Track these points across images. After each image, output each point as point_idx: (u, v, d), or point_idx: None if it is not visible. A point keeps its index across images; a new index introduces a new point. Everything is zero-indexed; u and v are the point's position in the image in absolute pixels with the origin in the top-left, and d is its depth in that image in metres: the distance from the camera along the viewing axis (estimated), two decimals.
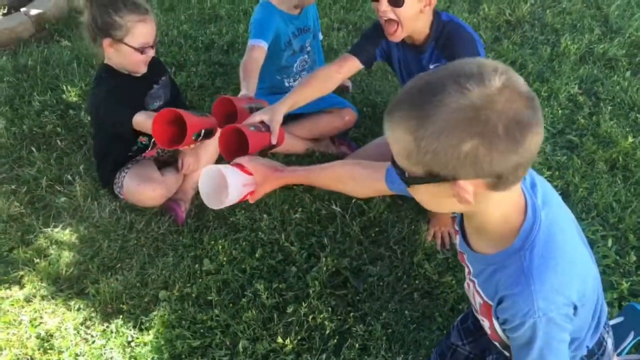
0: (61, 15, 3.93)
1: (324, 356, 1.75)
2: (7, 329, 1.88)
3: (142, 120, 1.96)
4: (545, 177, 2.34)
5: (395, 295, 1.93)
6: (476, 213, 1.00)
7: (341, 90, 2.95)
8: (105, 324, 1.89)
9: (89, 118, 2.72)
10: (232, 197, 1.39)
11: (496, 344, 1.23)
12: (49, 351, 1.82)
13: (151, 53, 2.09)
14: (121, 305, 1.93)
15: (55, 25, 3.82)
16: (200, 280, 2.00)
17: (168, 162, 2.43)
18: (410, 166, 0.91)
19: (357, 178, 1.43)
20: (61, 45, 3.57)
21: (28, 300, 1.98)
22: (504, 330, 1.09)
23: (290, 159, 2.54)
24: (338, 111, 2.60)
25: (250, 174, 1.45)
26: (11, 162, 2.59)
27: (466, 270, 1.21)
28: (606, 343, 1.30)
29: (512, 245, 1.01)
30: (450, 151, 0.84)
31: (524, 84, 0.86)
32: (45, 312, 1.94)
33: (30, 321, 1.90)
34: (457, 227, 1.22)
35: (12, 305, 1.96)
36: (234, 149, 1.70)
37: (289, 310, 1.88)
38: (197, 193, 2.04)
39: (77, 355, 1.80)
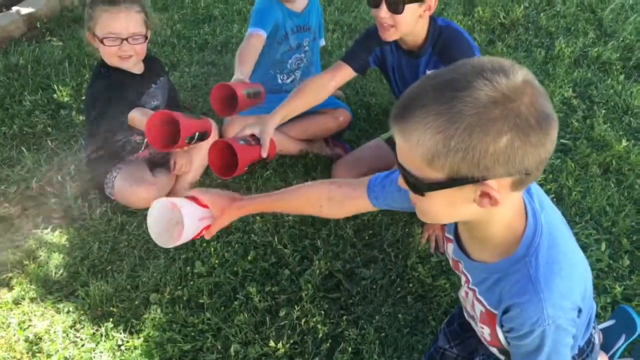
0: (53, 14, 3.90)
1: None
2: None
3: (137, 117, 1.95)
4: (540, 181, 2.35)
5: (389, 299, 1.92)
6: (485, 221, 0.97)
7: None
8: (95, 327, 1.86)
9: (83, 117, 2.69)
10: (188, 233, 1.25)
11: (494, 349, 1.21)
12: (38, 354, 1.79)
13: (126, 47, 2.06)
14: (111, 308, 1.91)
15: (47, 24, 3.80)
16: (191, 283, 1.98)
17: (160, 163, 2.41)
18: (430, 172, 0.86)
19: (334, 198, 1.32)
20: (53, 45, 3.54)
21: (17, 302, 1.95)
22: (507, 338, 1.07)
23: (284, 161, 2.53)
24: (332, 111, 2.59)
25: (206, 206, 1.33)
26: (0, 162, 2.56)
27: (463, 278, 1.18)
28: (594, 340, 1.30)
29: (515, 252, 0.99)
30: (485, 147, 0.80)
31: None
32: (34, 315, 1.91)
33: (19, 324, 1.88)
34: (448, 235, 1.20)
35: (1, 307, 1.93)
36: (224, 163, 1.68)
37: (282, 313, 1.86)
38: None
39: (66, 358, 1.78)
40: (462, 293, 1.23)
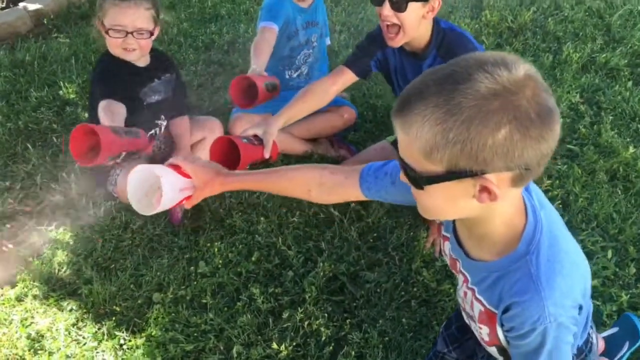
0: (60, 11, 3.90)
1: None
2: None
3: (101, 109, 1.93)
4: (546, 186, 2.34)
5: (393, 303, 1.91)
6: (485, 218, 0.96)
7: None
8: (98, 326, 1.85)
9: (87, 115, 2.69)
10: (166, 201, 1.23)
11: (492, 349, 1.20)
12: (40, 352, 1.78)
13: (130, 40, 2.07)
14: (114, 307, 1.90)
15: (54, 20, 3.79)
16: (195, 282, 1.97)
17: (163, 161, 2.40)
18: (429, 165, 0.86)
19: (325, 184, 1.30)
20: (59, 41, 3.54)
21: (19, 299, 1.95)
22: (507, 338, 1.06)
23: (289, 161, 2.52)
24: (336, 109, 2.58)
25: (188, 176, 1.31)
26: (5, 158, 2.56)
27: (461, 278, 1.17)
28: (592, 340, 1.29)
29: (516, 250, 0.98)
30: (483, 140, 0.80)
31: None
32: (37, 312, 1.90)
33: (21, 321, 1.87)
34: (445, 233, 1.19)
35: (3, 304, 1.93)
36: (225, 160, 1.67)
37: (285, 315, 1.85)
38: None
39: (67, 356, 1.77)
40: (460, 293, 1.22)
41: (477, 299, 1.11)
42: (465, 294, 1.16)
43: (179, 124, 2.36)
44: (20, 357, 1.77)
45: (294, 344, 1.77)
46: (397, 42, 1.89)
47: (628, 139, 2.63)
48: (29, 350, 1.78)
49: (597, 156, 2.51)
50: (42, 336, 1.83)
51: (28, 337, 1.82)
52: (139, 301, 1.92)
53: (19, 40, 3.53)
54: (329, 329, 1.81)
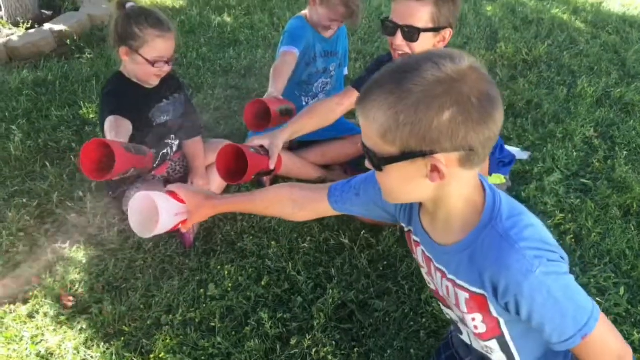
0: (83, 32, 4.00)
1: None
2: (8, 344, 1.86)
3: (107, 124, 1.96)
4: (558, 220, 2.33)
5: (401, 333, 1.90)
6: (442, 198, 1.03)
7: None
8: (106, 346, 1.86)
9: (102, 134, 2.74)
10: (163, 225, 1.35)
11: (492, 343, 1.18)
12: None
13: (166, 68, 2.12)
14: (123, 327, 1.91)
15: (77, 41, 3.89)
16: (204, 305, 1.98)
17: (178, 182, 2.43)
18: (385, 146, 0.95)
19: (297, 200, 1.43)
20: (81, 62, 3.62)
21: (31, 316, 1.97)
22: (529, 321, 1.03)
23: None
24: (351, 137, 2.61)
25: (183, 201, 1.43)
26: (24, 175, 2.61)
27: (439, 275, 1.18)
28: None
29: (480, 222, 1.03)
30: (429, 122, 0.89)
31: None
32: (47, 330, 1.92)
33: (32, 338, 1.89)
34: (415, 238, 1.22)
35: (15, 320, 1.95)
36: (232, 168, 1.70)
37: (293, 342, 1.85)
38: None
39: None
40: (441, 293, 1.22)
41: (459, 286, 1.12)
42: (447, 289, 1.17)
43: (192, 144, 2.39)
44: None
45: None
46: None
47: None
48: None
49: (611, 191, 2.51)
50: (52, 354, 1.84)
51: (38, 354, 1.83)
52: (148, 322, 1.93)
53: (42, 60, 3.63)
54: (336, 357, 1.81)
